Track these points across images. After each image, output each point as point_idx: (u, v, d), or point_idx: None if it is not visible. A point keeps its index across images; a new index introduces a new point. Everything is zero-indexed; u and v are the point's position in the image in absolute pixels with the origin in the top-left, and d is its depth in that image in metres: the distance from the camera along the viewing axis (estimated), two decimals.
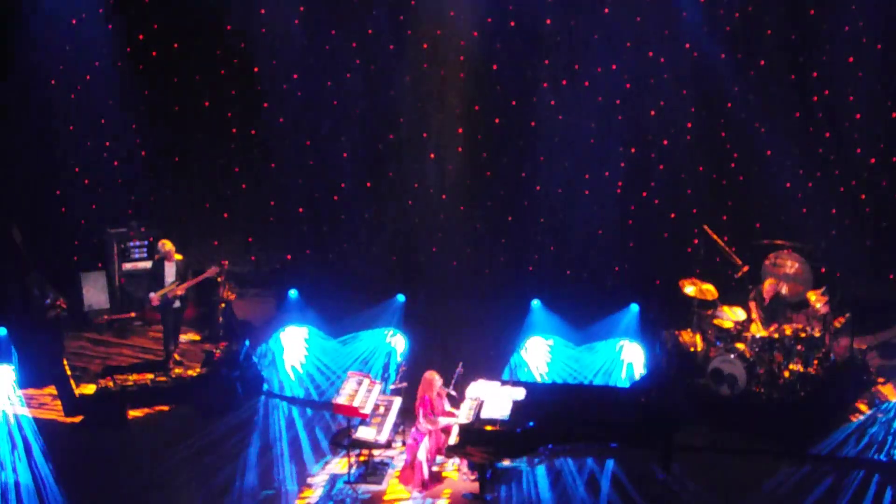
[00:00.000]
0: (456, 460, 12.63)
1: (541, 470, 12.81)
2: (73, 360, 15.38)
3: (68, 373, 14.78)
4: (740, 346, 14.33)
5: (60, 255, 17.46)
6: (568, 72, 17.58)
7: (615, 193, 17.84)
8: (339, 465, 12.93)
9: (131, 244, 17.09)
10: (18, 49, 16.82)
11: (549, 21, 17.45)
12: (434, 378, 12.40)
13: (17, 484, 12.45)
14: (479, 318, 17.08)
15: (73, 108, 17.46)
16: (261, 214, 18.54)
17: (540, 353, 15.99)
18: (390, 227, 18.53)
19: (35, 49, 17.00)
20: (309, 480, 12.66)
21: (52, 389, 14.72)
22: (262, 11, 17.57)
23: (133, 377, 14.75)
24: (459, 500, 12.18)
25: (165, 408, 14.44)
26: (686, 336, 15.65)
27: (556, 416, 12.30)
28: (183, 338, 15.72)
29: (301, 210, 18.57)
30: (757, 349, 14.27)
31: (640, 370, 15.40)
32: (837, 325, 14.71)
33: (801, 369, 14.11)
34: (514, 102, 17.88)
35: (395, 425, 12.93)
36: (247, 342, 15.55)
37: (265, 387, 15.05)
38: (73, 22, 17.19)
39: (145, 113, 17.83)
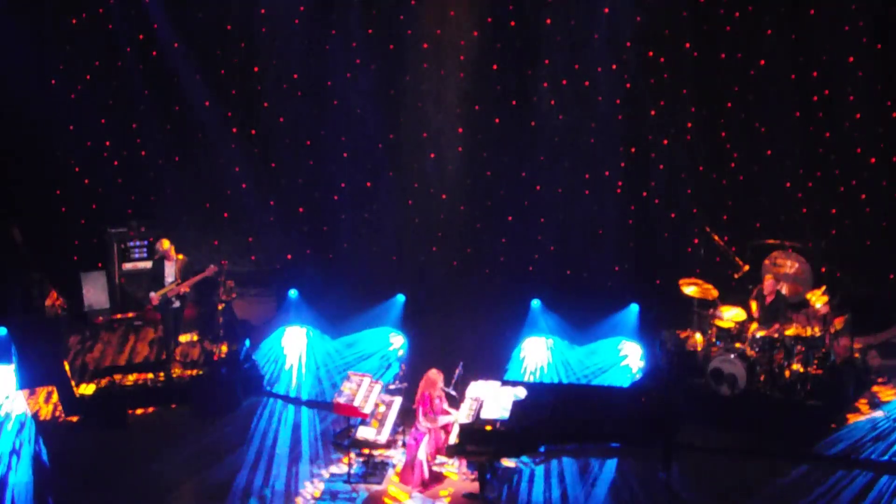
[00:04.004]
0: (456, 460, 12.63)
1: (541, 470, 12.80)
2: (73, 360, 15.37)
3: (68, 373, 14.79)
4: (740, 345, 14.33)
5: (60, 255, 17.44)
6: (568, 72, 17.58)
7: (615, 193, 17.83)
8: (340, 465, 12.94)
9: (131, 244, 17.06)
10: (19, 49, 16.85)
11: (549, 21, 17.45)
12: (437, 376, 12.40)
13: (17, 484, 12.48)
14: (479, 318, 17.07)
15: (73, 108, 17.45)
16: (261, 214, 18.53)
17: (539, 353, 15.99)
18: (390, 227, 18.52)
19: (37, 49, 17.00)
20: (309, 481, 12.66)
21: (52, 389, 14.73)
22: (263, 11, 17.57)
23: (133, 377, 14.77)
24: (459, 500, 12.18)
25: (165, 408, 14.44)
26: (686, 336, 15.64)
27: (556, 415, 12.30)
28: (183, 338, 15.72)
29: (301, 210, 18.56)
30: (757, 349, 14.27)
31: (639, 370, 15.40)
32: (837, 325, 14.69)
33: (802, 369, 14.10)
34: (514, 102, 17.88)
35: (395, 425, 12.93)
36: (247, 342, 15.56)
37: (265, 387, 15.05)
38: (73, 22, 17.20)
39: (145, 113, 17.83)
